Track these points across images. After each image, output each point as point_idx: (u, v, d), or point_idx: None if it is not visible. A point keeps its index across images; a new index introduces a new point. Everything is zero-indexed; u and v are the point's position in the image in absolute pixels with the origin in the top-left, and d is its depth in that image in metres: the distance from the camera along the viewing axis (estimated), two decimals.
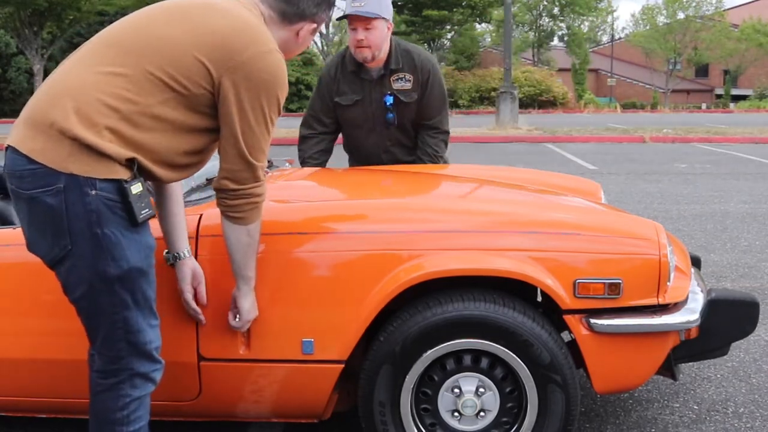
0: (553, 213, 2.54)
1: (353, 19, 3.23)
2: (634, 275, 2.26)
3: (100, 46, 1.96)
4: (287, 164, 3.32)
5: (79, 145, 1.82)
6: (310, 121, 3.60)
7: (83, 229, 1.85)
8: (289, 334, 2.28)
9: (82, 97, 1.85)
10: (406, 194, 2.94)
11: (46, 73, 23.22)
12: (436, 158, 3.54)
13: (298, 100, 34.66)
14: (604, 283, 2.23)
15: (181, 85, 1.90)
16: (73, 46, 30.35)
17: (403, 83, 3.41)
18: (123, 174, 1.87)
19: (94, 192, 1.83)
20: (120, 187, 1.86)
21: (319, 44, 21.22)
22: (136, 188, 1.88)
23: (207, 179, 2.80)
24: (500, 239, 2.29)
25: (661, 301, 2.28)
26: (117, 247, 1.88)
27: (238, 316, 2.19)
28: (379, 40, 3.30)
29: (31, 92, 23.13)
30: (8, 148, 1.90)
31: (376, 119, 3.47)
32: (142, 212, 1.90)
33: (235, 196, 2.00)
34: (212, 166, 3.00)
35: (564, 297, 2.23)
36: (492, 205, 2.62)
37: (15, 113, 30.21)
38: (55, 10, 18.64)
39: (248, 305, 2.18)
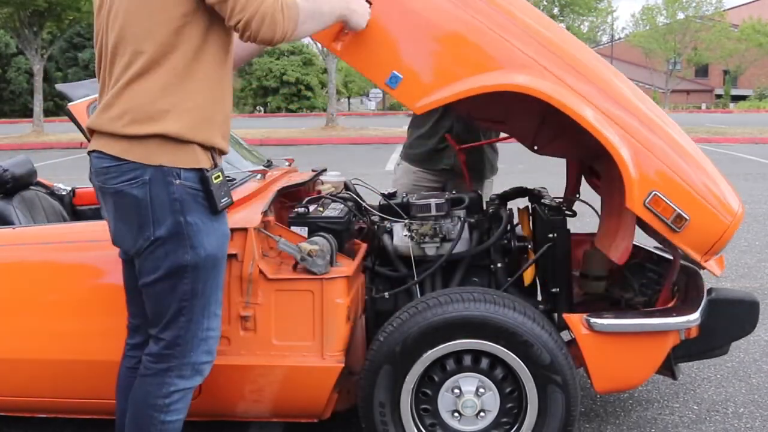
0: (674, 130, 2.37)
1: None
2: (701, 224, 2.22)
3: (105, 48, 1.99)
4: (287, 163, 3.32)
5: (163, 139, 1.89)
6: None
7: (167, 217, 1.91)
8: (386, 59, 2.24)
9: (141, 105, 1.89)
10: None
11: (46, 73, 23.15)
12: None
13: (298, 100, 34.64)
14: (675, 210, 2.19)
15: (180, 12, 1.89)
16: (73, 46, 30.36)
17: None
18: (205, 163, 1.94)
19: (178, 181, 1.90)
20: (202, 176, 1.93)
21: (319, 45, 21.16)
22: (216, 177, 1.95)
23: None
24: (606, 103, 2.21)
25: (703, 261, 2.26)
26: (197, 235, 1.94)
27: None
28: None
29: (31, 92, 23.09)
30: (92, 152, 1.98)
31: None
32: (222, 200, 1.97)
33: (258, 28, 1.87)
34: None
35: (635, 195, 2.17)
36: (621, 83, 2.38)
37: (15, 113, 30.21)
38: (55, 10, 18.56)
39: (355, 20, 2.15)
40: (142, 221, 1.92)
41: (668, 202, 2.18)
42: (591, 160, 2.64)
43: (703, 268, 2.34)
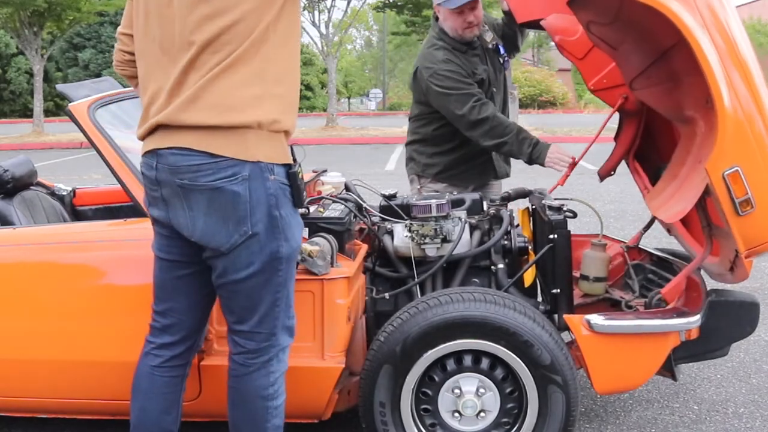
0: None
1: (463, 6, 3.28)
2: (762, 220, 2.18)
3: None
4: None
5: (258, 130, 1.91)
6: (473, 91, 3.31)
7: (263, 212, 1.94)
8: None
9: (233, 94, 1.89)
10: None
11: (46, 73, 23.10)
12: None
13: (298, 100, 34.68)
14: (748, 193, 2.14)
15: None
16: (73, 46, 30.30)
17: (490, 35, 3.48)
18: (290, 158, 2.00)
19: (272, 177, 1.94)
20: (289, 171, 1.98)
21: (319, 44, 21.09)
22: (300, 172, 2.02)
23: None
24: (734, 71, 2.12)
25: (745, 255, 2.23)
26: (289, 228, 1.99)
27: None
28: (481, 15, 3.38)
29: (31, 93, 23.01)
30: (168, 149, 1.93)
31: (491, 78, 3.47)
32: (304, 194, 2.04)
33: None
34: None
35: (719, 162, 2.10)
36: (757, 71, 2.26)
37: (15, 113, 30.13)
38: (55, 10, 18.52)
39: None
40: (240, 216, 1.93)
41: (745, 182, 2.13)
42: (677, 119, 2.61)
43: (733, 269, 2.32)
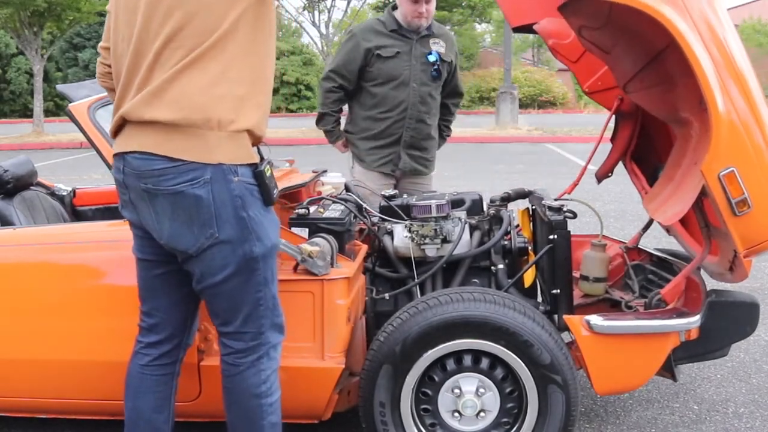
0: None
1: None
2: (761, 218, 2.17)
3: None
4: (287, 164, 3.33)
5: (220, 134, 1.90)
6: (333, 75, 3.71)
7: (230, 214, 1.93)
8: None
9: (194, 92, 1.89)
10: None
11: (46, 73, 23.11)
12: (449, 129, 3.99)
13: (298, 100, 34.62)
14: (744, 193, 2.13)
15: None
16: (73, 46, 30.31)
17: (439, 47, 3.69)
18: (256, 157, 1.99)
19: (236, 178, 1.92)
20: (256, 171, 1.96)
21: (319, 44, 21.09)
22: (267, 171, 1.99)
23: None
24: (726, 73, 2.14)
25: (743, 255, 2.23)
26: (260, 228, 1.98)
27: None
28: (434, 11, 3.65)
29: (31, 93, 22.99)
30: (131, 153, 1.93)
31: (414, 73, 3.63)
32: (274, 192, 2.01)
33: None
34: None
35: (715, 163, 2.11)
36: (751, 76, 2.28)
37: (15, 113, 30.13)
38: (54, 10, 18.51)
39: None
40: (204, 220, 1.92)
41: (741, 183, 2.13)
42: (672, 121, 2.62)
43: (732, 269, 2.32)
